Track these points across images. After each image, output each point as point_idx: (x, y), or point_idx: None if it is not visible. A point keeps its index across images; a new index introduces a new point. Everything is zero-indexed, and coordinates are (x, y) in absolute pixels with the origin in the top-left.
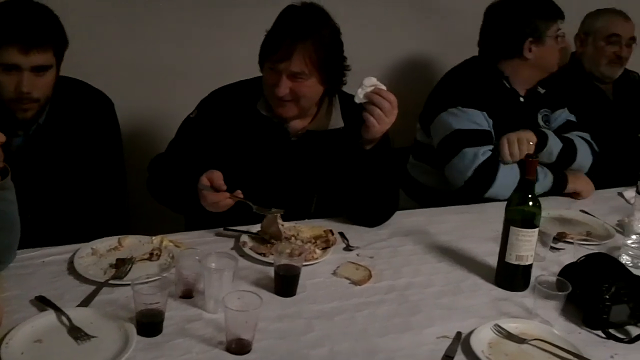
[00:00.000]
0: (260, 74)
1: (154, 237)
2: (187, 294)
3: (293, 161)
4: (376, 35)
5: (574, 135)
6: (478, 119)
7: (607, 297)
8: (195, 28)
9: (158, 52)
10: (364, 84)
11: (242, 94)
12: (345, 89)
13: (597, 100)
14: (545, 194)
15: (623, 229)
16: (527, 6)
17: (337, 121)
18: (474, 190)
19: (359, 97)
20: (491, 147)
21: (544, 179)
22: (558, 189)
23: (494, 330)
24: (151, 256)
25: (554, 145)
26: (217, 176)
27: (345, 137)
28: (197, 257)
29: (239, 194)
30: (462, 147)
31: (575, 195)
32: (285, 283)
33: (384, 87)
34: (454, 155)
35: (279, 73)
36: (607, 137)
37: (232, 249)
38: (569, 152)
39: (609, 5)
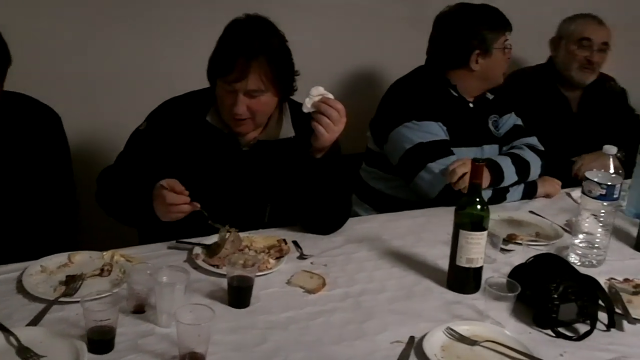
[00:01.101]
0: (208, 85)
1: (104, 253)
2: (139, 309)
3: (245, 171)
4: (326, 43)
5: (522, 148)
6: (434, 130)
7: (556, 296)
8: (142, 40)
9: (105, 64)
10: (311, 94)
11: (192, 105)
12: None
13: (559, 108)
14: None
15: (571, 228)
16: (475, 18)
17: (287, 130)
18: (447, 203)
19: (307, 106)
20: (454, 157)
21: (515, 191)
22: (530, 196)
23: (446, 334)
24: (102, 272)
25: (510, 178)
26: (176, 182)
27: (297, 146)
28: (148, 272)
29: (197, 205)
30: (426, 161)
31: (546, 196)
32: (238, 294)
33: (331, 96)
34: (419, 170)
35: (235, 92)
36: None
37: (185, 261)
38: (523, 173)
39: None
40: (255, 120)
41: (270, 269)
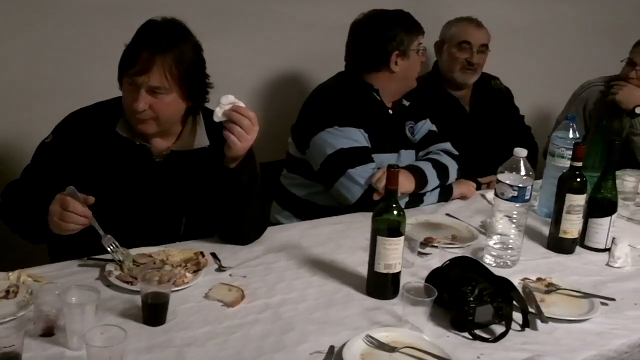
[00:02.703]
0: (119, 95)
1: (10, 273)
2: (48, 332)
3: (158, 183)
4: (244, 50)
5: (438, 153)
6: (356, 136)
7: (471, 299)
8: (50, 48)
9: (10, 73)
10: (222, 102)
11: (100, 116)
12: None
13: (452, 108)
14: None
15: (486, 230)
16: (393, 21)
17: (202, 140)
18: (366, 209)
19: (218, 115)
20: (374, 164)
21: (431, 194)
22: (446, 198)
23: (366, 341)
24: (7, 294)
25: (432, 182)
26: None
27: (212, 155)
28: (57, 292)
29: (94, 221)
30: (346, 167)
31: (461, 198)
32: (153, 311)
33: (242, 105)
34: (339, 176)
35: (137, 87)
36: (463, 143)
37: (97, 279)
38: (444, 177)
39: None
40: (159, 122)
41: (187, 283)
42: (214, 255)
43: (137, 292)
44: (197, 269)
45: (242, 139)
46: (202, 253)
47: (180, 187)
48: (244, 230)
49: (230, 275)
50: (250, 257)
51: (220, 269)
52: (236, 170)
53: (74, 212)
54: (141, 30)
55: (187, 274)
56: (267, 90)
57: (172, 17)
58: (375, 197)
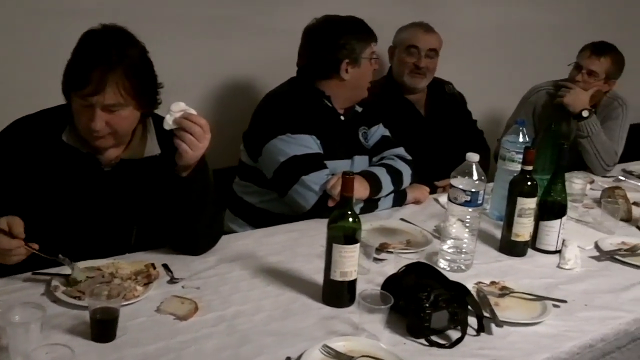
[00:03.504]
0: (64, 103)
1: None
2: None
3: (107, 193)
4: (195, 55)
5: (392, 158)
6: (309, 143)
7: (427, 305)
8: None
9: None
10: (172, 110)
11: (45, 124)
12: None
13: (408, 112)
14: None
15: (440, 234)
16: (344, 28)
17: (153, 148)
18: (321, 216)
19: (168, 123)
20: (328, 170)
21: (386, 199)
22: (400, 203)
23: (323, 352)
24: None
25: (386, 188)
26: (18, 223)
27: (163, 164)
28: None
29: (35, 245)
30: (300, 174)
31: (415, 203)
32: (102, 328)
33: (193, 112)
34: (293, 183)
35: (92, 107)
36: (419, 146)
37: (43, 294)
38: (398, 183)
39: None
40: (117, 136)
41: (138, 296)
42: (165, 266)
43: (85, 308)
44: (148, 281)
45: (194, 147)
46: (153, 265)
47: (131, 196)
48: (197, 240)
49: (182, 287)
50: (203, 268)
51: (173, 280)
52: (188, 179)
53: (8, 248)
54: (84, 43)
55: (138, 287)
56: (218, 97)
57: (112, 24)
58: (330, 203)
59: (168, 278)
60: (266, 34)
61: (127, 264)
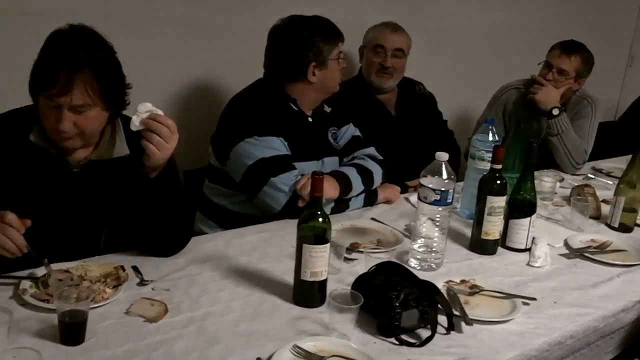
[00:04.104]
0: (31, 104)
1: None
2: None
3: (76, 194)
4: (164, 56)
5: (363, 158)
6: (276, 145)
7: (397, 304)
8: None
9: None
10: (139, 111)
11: (12, 125)
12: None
13: (378, 112)
14: None
15: (410, 233)
16: (310, 30)
17: (121, 149)
18: (290, 216)
19: (135, 124)
20: (296, 172)
21: (357, 199)
22: (371, 203)
23: (293, 352)
24: None
25: (357, 188)
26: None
27: (132, 165)
28: None
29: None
30: (269, 176)
31: (386, 202)
32: (71, 330)
33: (160, 112)
34: (262, 185)
35: (59, 108)
36: (390, 146)
37: (11, 297)
38: (369, 183)
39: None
40: (84, 137)
41: (107, 299)
42: (135, 268)
43: (53, 311)
44: (118, 283)
45: (161, 148)
46: (122, 267)
47: (100, 198)
48: (167, 241)
49: (152, 289)
50: (173, 270)
51: (142, 282)
52: (157, 180)
53: (10, 224)
54: (51, 44)
55: (107, 290)
56: (187, 97)
57: (80, 24)
58: (300, 203)
59: (138, 280)
60: (236, 35)
61: (96, 266)
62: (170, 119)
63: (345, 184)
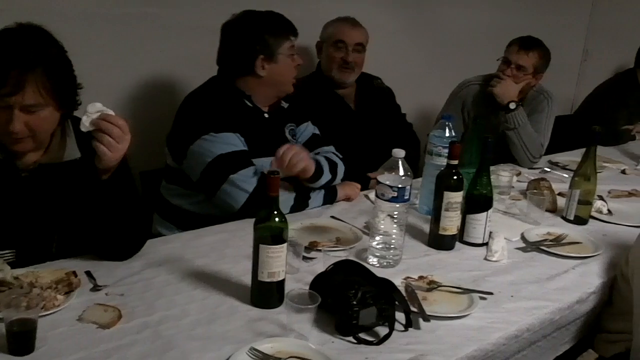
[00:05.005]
0: None
1: None
2: None
3: (26, 199)
4: (111, 56)
5: (327, 152)
6: (233, 141)
7: (355, 302)
8: None
9: None
10: (89, 111)
11: None
12: None
13: (338, 107)
14: None
15: (369, 230)
16: (258, 24)
17: (72, 151)
18: (251, 215)
19: (85, 125)
20: (255, 168)
21: (316, 197)
22: (331, 200)
23: (250, 355)
24: None
25: (325, 175)
26: None
27: (83, 168)
28: None
29: None
30: (228, 173)
31: (347, 199)
32: (19, 340)
33: (111, 112)
34: (221, 183)
35: (10, 108)
36: (350, 140)
37: None
38: (334, 173)
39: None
40: (37, 139)
41: (59, 306)
42: (88, 273)
43: (0, 320)
44: (70, 290)
45: (113, 149)
46: (74, 272)
47: (51, 202)
48: (120, 245)
49: (106, 294)
50: (128, 274)
51: (96, 288)
52: (109, 182)
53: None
54: (1, 42)
55: (58, 296)
56: (139, 96)
57: (28, 23)
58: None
59: (91, 285)
60: (186, 32)
61: (47, 272)
62: (122, 119)
63: (317, 167)
